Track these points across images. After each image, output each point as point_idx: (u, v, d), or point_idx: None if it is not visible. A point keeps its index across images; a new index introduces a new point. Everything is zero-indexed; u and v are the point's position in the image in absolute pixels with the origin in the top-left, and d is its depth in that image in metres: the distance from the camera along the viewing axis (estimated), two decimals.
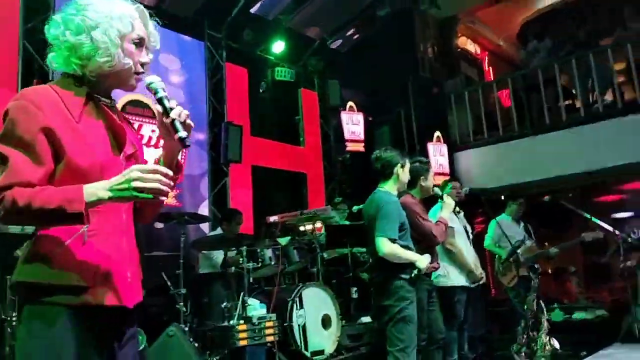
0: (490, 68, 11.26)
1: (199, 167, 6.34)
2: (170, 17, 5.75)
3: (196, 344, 3.85)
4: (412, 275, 3.30)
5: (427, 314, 3.77)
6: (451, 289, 4.53)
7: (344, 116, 7.97)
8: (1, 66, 4.66)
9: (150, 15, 1.59)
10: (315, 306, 4.45)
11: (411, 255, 3.34)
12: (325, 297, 4.60)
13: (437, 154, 8.33)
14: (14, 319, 3.21)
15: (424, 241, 3.67)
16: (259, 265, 4.53)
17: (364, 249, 5.69)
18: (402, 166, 3.55)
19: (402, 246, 3.34)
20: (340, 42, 7.93)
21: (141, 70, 1.56)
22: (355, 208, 5.89)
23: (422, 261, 3.33)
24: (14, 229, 3.62)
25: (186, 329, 3.90)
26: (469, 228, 4.95)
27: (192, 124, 1.51)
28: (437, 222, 3.89)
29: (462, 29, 10.01)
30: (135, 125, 5.31)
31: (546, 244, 6.25)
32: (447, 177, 7.15)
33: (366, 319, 5.23)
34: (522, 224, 5.65)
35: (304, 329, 4.27)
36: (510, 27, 10.78)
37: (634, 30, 7.38)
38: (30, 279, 1.38)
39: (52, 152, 1.38)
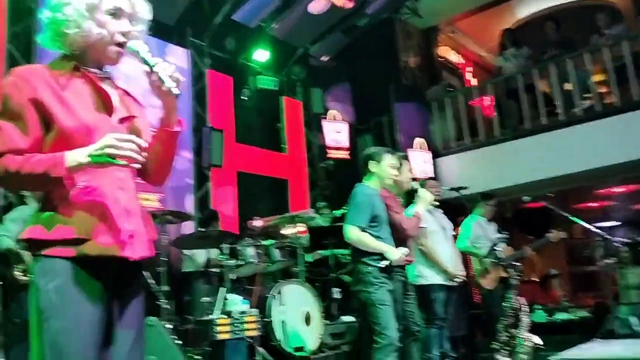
0: (474, 79, 11.43)
1: (183, 172, 6.38)
2: (155, 23, 5.81)
3: (179, 342, 3.85)
4: (382, 265, 3.37)
5: (401, 306, 3.83)
6: (428, 287, 4.60)
7: (326, 124, 8.07)
8: None
9: None
10: (296, 303, 4.48)
11: (381, 246, 3.42)
12: (306, 294, 4.63)
13: (421, 161, 8.43)
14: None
15: (395, 233, 3.74)
16: (242, 264, 4.57)
17: (346, 251, 5.74)
18: (378, 162, 3.64)
19: (374, 236, 3.41)
20: (322, 50, 8.05)
21: (122, 39, 1.63)
22: (338, 212, 5.96)
23: (393, 253, 3.40)
24: None
25: (169, 325, 3.90)
26: (449, 225, 5.01)
27: (179, 76, 1.59)
28: (413, 215, 3.96)
29: (444, 38, 10.19)
30: None
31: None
32: None
33: (348, 318, 5.25)
34: (494, 225, 5.67)
35: (284, 324, 4.29)
36: (491, 38, 10.99)
37: (610, 37, 7.58)
38: (33, 235, 1.50)
39: (41, 121, 1.51)
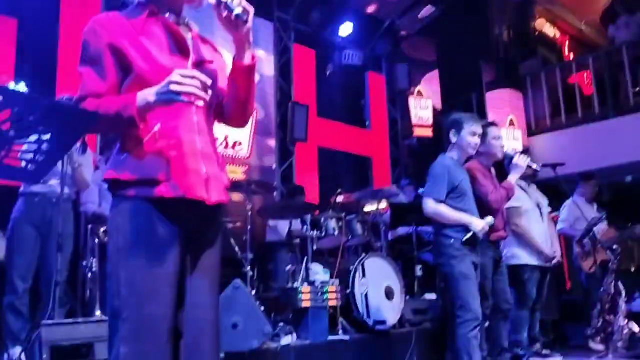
0: (572, 53, 10.71)
1: (266, 146, 6.47)
2: None
3: (262, 307, 3.92)
4: (466, 236, 3.20)
5: (492, 283, 3.65)
6: (521, 267, 4.36)
7: (412, 101, 7.86)
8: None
9: None
10: (378, 277, 4.40)
11: (462, 217, 3.24)
12: (388, 269, 4.54)
13: (511, 138, 8.03)
14: (93, 265, 3.41)
15: (481, 206, 3.53)
16: (323, 235, 4.57)
17: (429, 228, 5.59)
18: (459, 131, 3.44)
19: (456, 209, 3.25)
20: (410, 23, 7.81)
21: None
22: (422, 190, 5.80)
23: (476, 223, 3.21)
24: None
25: (253, 292, 3.98)
26: (544, 202, 4.70)
27: (249, 6, 1.54)
28: (501, 185, 3.72)
29: (541, 11, 9.59)
30: None
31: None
32: None
33: (431, 296, 5.12)
34: (595, 206, 5.33)
35: (366, 297, 4.24)
36: (591, 11, 10.21)
37: None
38: (112, 176, 1.53)
39: (118, 66, 1.53)
